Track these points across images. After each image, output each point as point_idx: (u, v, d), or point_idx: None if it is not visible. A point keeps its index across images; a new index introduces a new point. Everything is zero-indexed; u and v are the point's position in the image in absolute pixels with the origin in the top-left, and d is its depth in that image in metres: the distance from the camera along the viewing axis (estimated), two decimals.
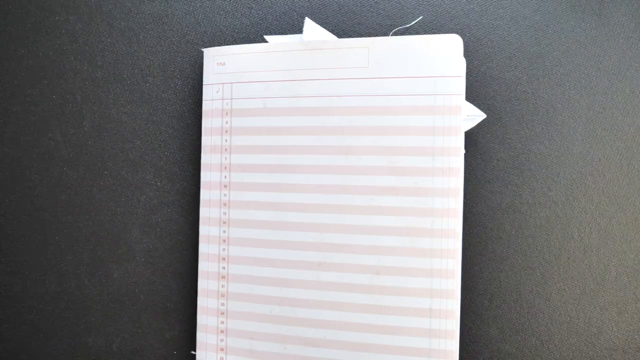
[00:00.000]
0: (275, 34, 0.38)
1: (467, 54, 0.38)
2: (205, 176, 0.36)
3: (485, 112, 0.38)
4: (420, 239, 0.33)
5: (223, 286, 0.35)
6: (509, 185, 0.38)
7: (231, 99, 0.35)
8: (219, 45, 0.38)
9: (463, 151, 0.33)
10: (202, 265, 0.36)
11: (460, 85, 0.32)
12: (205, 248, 0.36)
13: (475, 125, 0.37)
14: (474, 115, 0.35)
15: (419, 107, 0.33)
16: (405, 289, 0.33)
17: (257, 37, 0.38)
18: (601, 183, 0.38)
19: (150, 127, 0.38)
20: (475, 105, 0.37)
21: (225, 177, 0.36)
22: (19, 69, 0.38)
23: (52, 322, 0.38)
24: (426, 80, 0.33)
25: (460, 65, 0.32)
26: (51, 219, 0.38)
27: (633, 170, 0.38)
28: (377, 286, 0.33)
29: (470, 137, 0.38)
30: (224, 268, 0.36)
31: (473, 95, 0.37)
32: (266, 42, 0.36)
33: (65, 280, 0.38)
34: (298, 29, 0.38)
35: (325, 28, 0.37)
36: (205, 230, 0.36)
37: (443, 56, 0.32)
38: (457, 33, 0.38)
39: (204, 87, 0.36)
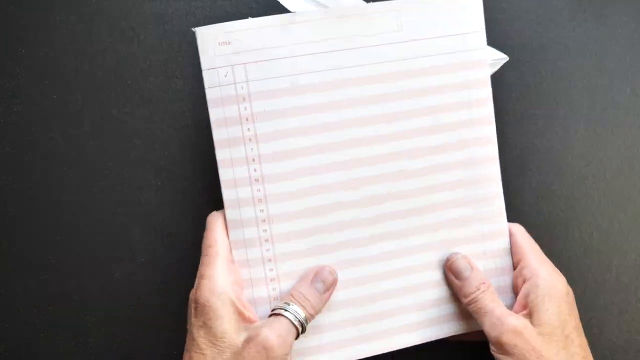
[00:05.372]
0: None
1: None
2: (226, 174, 0.32)
3: None
4: (469, 188, 0.34)
5: (274, 289, 0.33)
6: (510, 185, 0.38)
7: (247, 81, 0.31)
8: None
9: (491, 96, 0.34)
10: (243, 274, 0.32)
11: (483, 38, 0.33)
12: (242, 254, 0.32)
13: None
14: (497, 59, 0.35)
15: (452, 65, 0.33)
16: (457, 239, 0.34)
17: None
18: (602, 183, 0.38)
19: (150, 127, 0.38)
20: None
21: (255, 170, 0.32)
22: (19, 69, 0.38)
23: (52, 322, 0.38)
24: (455, 38, 0.33)
25: (481, 20, 0.33)
26: (51, 219, 0.38)
27: (634, 170, 0.38)
28: (435, 242, 0.34)
29: None
30: (271, 270, 0.33)
31: None
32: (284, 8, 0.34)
33: (65, 280, 0.38)
34: None
35: None
36: (239, 234, 0.32)
37: (467, 13, 0.33)
38: None
39: (204, 72, 0.31)
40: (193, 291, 0.30)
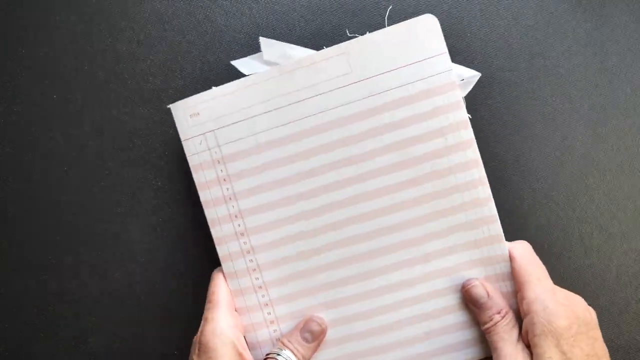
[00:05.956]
0: (276, 33, 0.38)
1: (467, 55, 0.38)
2: (216, 231, 0.34)
3: (485, 113, 0.38)
4: (455, 216, 0.33)
5: (275, 330, 0.35)
6: (510, 185, 0.38)
7: (218, 146, 0.34)
8: (219, 49, 0.38)
9: (469, 118, 0.33)
10: (244, 319, 0.34)
11: (446, 61, 0.32)
12: (242, 302, 0.34)
13: (476, 127, 0.37)
14: (469, 77, 0.35)
15: (414, 95, 0.32)
16: (456, 266, 0.33)
17: (258, 36, 0.37)
18: (602, 183, 0.38)
19: (150, 127, 0.38)
20: (476, 107, 0.37)
21: (239, 225, 0.34)
22: (20, 69, 0.38)
23: (52, 322, 0.38)
24: (413, 67, 0.32)
25: (441, 42, 0.32)
26: (51, 219, 0.38)
27: (634, 170, 0.38)
28: (431, 272, 0.33)
29: None
30: (269, 314, 0.34)
31: (473, 95, 0.37)
32: (233, 67, 0.36)
33: (65, 280, 0.38)
34: (298, 28, 0.38)
35: (309, 44, 0.36)
36: (235, 284, 0.34)
37: (423, 39, 0.32)
38: (458, 34, 0.38)
39: (183, 143, 0.34)
40: (197, 334, 0.32)
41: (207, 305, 0.33)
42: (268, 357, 0.32)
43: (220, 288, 0.33)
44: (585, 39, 0.38)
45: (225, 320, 0.32)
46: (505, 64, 0.38)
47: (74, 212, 0.38)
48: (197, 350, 0.31)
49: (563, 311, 0.29)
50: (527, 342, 0.30)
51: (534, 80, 0.38)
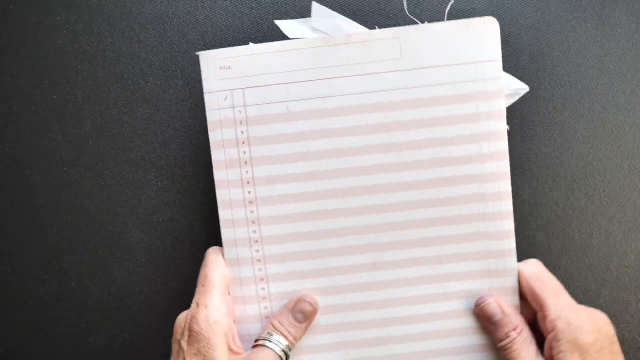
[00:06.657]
0: (277, 35, 0.38)
1: None
2: (222, 194, 0.33)
3: None
4: (474, 224, 0.33)
5: (266, 307, 0.34)
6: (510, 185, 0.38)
7: (244, 105, 0.32)
8: (220, 46, 0.38)
9: (507, 128, 0.32)
10: (236, 291, 0.33)
11: (498, 68, 0.32)
12: (236, 272, 0.33)
13: None
14: (517, 89, 0.34)
15: (461, 95, 0.32)
16: (463, 274, 0.33)
17: (258, 38, 0.38)
18: (602, 183, 0.38)
19: (151, 127, 0.38)
20: None
21: (250, 192, 0.32)
22: (20, 69, 0.38)
23: (52, 322, 0.38)
24: (465, 67, 0.32)
25: (497, 48, 0.32)
26: (51, 219, 0.38)
27: (634, 170, 0.38)
28: (440, 275, 0.33)
29: None
30: (263, 289, 0.33)
31: None
32: (276, 26, 0.34)
33: (65, 280, 0.38)
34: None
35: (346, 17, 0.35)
36: (232, 253, 0.33)
37: (482, 40, 0.31)
38: None
39: (205, 95, 0.32)
40: (186, 317, 0.31)
41: (200, 289, 0.31)
42: (257, 343, 0.31)
43: (215, 271, 0.32)
44: (584, 39, 0.38)
45: (220, 308, 0.31)
46: (505, 64, 0.38)
47: (74, 212, 0.38)
48: (186, 337, 0.30)
49: (588, 327, 0.30)
50: (551, 358, 0.30)
51: (534, 80, 0.38)
